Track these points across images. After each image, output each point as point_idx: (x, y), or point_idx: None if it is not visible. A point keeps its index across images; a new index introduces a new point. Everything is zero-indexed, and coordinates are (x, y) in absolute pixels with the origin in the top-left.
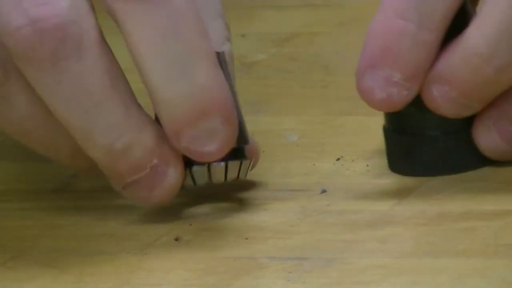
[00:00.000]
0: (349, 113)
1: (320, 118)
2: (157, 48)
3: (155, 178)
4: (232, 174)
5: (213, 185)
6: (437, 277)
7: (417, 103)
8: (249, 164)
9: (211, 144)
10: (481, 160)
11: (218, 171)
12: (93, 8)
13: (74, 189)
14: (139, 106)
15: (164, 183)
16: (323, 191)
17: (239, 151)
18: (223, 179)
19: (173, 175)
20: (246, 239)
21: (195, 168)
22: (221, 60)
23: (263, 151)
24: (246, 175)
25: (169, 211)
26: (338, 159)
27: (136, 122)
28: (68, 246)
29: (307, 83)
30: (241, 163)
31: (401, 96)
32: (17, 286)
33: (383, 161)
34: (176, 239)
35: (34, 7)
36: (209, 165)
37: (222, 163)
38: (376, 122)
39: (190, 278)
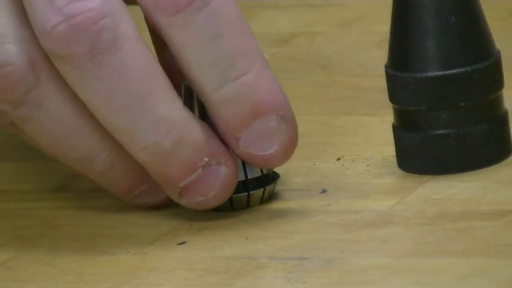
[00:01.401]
0: (349, 113)
1: (320, 118)
2: (202, 54)
3: (208, 178)
4: (267, 197)
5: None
6: (437, 277)
7: (427, 101)
8: (273, 187)
9: (271, 146)
10: (492, 158)
11: (256, 196)
12: (124, 2)
13: (74, 189)
14: (181, 101)
15: (218, 183)
16: (323, 191)
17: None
18: (259, 203)
19: (227, 173)
20: (246, 239)
21: (234, 196)
22: None
23: None
24: (270, 196)
25: (169, 211)
26: (338, 159)
27: (183, 117)
28: (68, 246)
29: (307, 83)
30: (264, 190)
31: None
32: (17, 286)
33: (383, 161)
34: (181, 243)
35: (67, 4)
36: (248, 192)
37: (245, 195)
38: (376, 122)
39: (191, 278)
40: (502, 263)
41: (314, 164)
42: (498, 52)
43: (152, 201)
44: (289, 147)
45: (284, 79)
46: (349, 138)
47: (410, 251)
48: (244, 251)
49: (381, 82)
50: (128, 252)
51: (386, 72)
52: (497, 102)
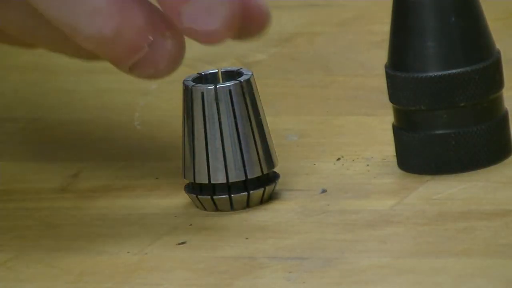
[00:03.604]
0: (349, 113)
1: (320, 118)
2: None
3: (156, 53)
4: (267, 197)
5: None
6: (437, 277)
7: (427, 101)
8: (273, 187)
9: (214, 20)
10: (492, 158)
11: (256, 196)
12: None
13: (74, 189)
14: None
15: (166, 56)
16: (323, 191)
17: (264, 175)
18: (259, 203)
19: (173, 45)
20: (246, 239)
21: (234, 196)
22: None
23: None
24: (270, 195)
25: (169, 211)
26: (338, 159)
27: (122, 5)
28: (68, 246)
29: (307, 83)
30: (264, 190)
31: None
32: (17, 286)
33: (383, 161)
34: (181, 243)
35: None
36: (249, 192)
37: (261, 189)
38: (376, 122)
39: (190, 278)
40: (502, 263)
41: (314, 164)
42: (498, 52)
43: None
44: (231, 21)
45: (284, 79)
46: (349, 138)
47: (410, 251)
48: (244, 251)
49: (381, 82)
50: (128, 252)
51: (386, 72)
52: (497, 102)
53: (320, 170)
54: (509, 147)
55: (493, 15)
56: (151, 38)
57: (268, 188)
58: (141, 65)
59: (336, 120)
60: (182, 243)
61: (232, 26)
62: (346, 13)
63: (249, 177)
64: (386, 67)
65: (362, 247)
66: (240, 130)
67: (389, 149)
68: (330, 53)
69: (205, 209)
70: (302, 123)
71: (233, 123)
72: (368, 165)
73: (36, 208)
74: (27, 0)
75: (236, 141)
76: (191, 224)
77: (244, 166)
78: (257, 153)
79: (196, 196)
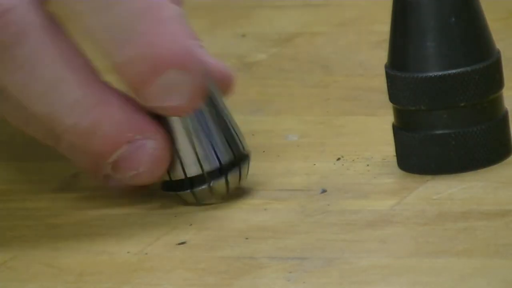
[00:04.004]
0: (349, 113)
1: (320, 118)
2: (98, 20)
3: (137, 152)
4: (233, 184)
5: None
6: (437, 277)
7: (427, 101)
8: (248, 165)
9: (175, 98)
10: (492, 158)
11: (220, 187)
12: None
13: (74, 189)
14: (103, 83)
15: (146, 157)
16: (323, 191)
17: (237, 158)
18: (225, 192)
19: (154, 147)
20: (246, 239)
21: (196, 189)
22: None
23: (263, 151)
24: (247, 175)
25: (169, 211)
26: (338, 159)
27: (100, 98)
28: (68, 246)
29: (307, 83)
30: (240, 170)
31: None
32: (17, 286)
33: (383, 161)
34: (181, 243)
35: None
36: (209, 183)
37: (222, 179)
38: (376, 122)
39: (190, 278)
40: (502, 263)
41: (314, 164)
42: (498, 52)
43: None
44: (195, 95)
45: (284, 79)
46: (349, 138)
47: (410, 251)
48: (244, 251)
49: (381, 82)
50: (128, 252)
51: (386, 72)
52: (497, 102)
53: (320, 170)
54: (509, 147)
55: (493, 15)
56: (130, 134)
57: (244, 167)
58: (121, 165)
59: (336, 120)
60: (182, 243)
61: (198, 97)
62: (346, 13)
63: (222, 163)
64: (386, 67)
65: (362, 247)
66: (202, 123)
67: (389, 149)
68: (330, 53)
69: (187, 203)
70: (302, 123)
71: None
72: (368, 165)
73: (36, 208)
74: (10, 92)
75: (203, 133)
76: (191, 224)
77: (215, 153)
78: (226, 140)
79: (177, 193)
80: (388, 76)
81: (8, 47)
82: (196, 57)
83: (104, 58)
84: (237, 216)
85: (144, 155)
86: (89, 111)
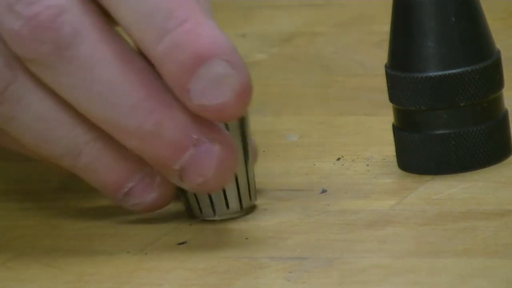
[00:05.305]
0: (349, 113)
1: (320, 118)
2: (136, 11)
3: (203, 157)
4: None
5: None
6: (437, 277)
7: (427, 101)
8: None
9: (223, 93)
10: (492, 158)
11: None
12: None
13: (74, 189)
14: (163, 83)
15: (215, 162)
16: (323, 191)
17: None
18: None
19: (221, 150)
20: (246, 239)
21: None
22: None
23: (263, 151)
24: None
25: (169, 211)
26: (338, 159)
27: (162, 99)
28: (68, 246)
29: (307, 83)
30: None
31: None
32: (17, 286)
33: (383, 161)
34: (181, 243)
35: (26, 7)
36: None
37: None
38: (376, 122)
39: (190, 278)
40: (502, 263)
41: (314, 164)
42: (498, 52)
43: (142, 200)
44: (242, 93)
45: (284, 79)
46: (349, 138)
47: (410, 251)
48: (244, 251)
49: (381, 82)
50: (128, 252)
51: (386, 72)
52: (497, 102)
53: (320, 170)
54: (509, 147)
55: (493, 15)
56: (195, 136)
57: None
58: (189, 171)
59: (336, 120)
60: (182, 243)
61: (243, 97)
62: (346, 13)
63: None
64: (386, 67)
65: (362, 247)
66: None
67: (389, 149)
68: (330, 53)
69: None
70: (302, 123)
71: None
72: (368, 165)
73: (36, 208)
74: (67, 98)
75: None
76: (191, 224)
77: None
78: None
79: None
80: (388, 76)
81: (63, 49)
82: (239, 53)
83: (143, 50)
84: (237, 216)
85: (212, 159)
86: (152, 112)
